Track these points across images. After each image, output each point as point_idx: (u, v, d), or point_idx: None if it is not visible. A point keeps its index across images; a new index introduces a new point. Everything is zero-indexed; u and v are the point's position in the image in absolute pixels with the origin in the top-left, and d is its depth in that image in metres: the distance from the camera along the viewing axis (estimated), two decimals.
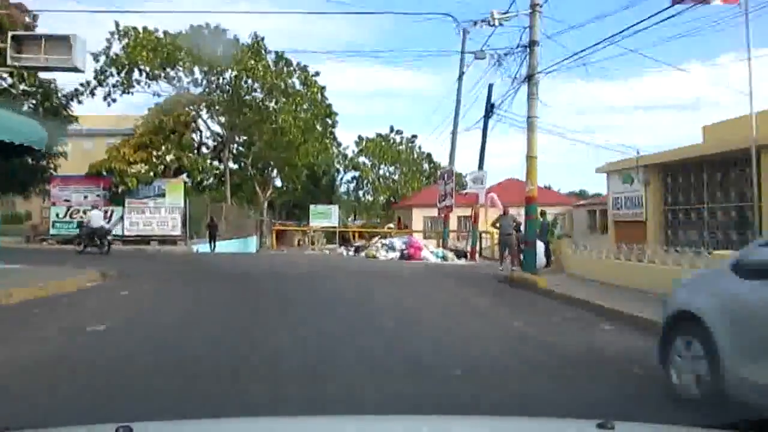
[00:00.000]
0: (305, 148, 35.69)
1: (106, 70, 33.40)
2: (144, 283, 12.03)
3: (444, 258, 20.71)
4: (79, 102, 33.47)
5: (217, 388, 4.22)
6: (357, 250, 21.92)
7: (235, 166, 47.62)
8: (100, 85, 33.73)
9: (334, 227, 27.20)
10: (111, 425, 1.57)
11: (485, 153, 21.61)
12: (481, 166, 21.59)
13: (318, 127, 36.30)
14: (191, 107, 28.69)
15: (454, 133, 23.98)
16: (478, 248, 22.45)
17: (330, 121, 34.98)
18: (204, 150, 30.29)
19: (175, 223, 26.26)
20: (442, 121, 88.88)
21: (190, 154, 26.94)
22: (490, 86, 21.32)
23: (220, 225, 31.55)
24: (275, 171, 47.08)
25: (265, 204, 46.53)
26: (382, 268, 16.17)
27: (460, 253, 21.77)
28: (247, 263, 17.16)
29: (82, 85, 33.45)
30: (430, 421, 2.49)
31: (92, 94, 33.62)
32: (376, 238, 23.36)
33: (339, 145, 38.52)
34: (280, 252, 28.01)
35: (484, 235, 23.78)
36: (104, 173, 26.11)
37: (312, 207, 26.70)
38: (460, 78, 23.95)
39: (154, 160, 26.35)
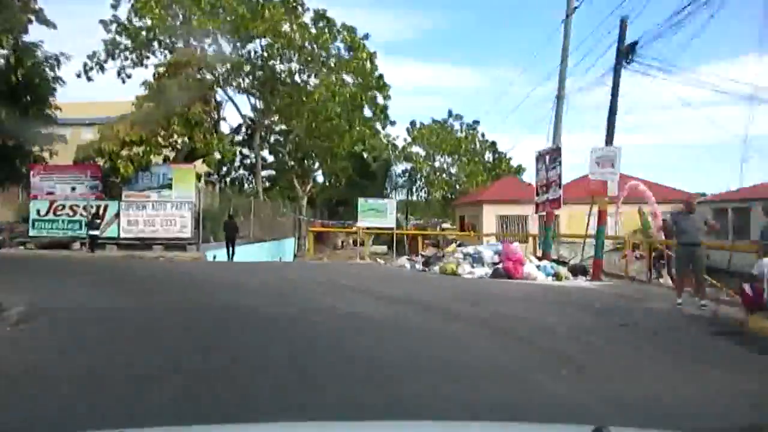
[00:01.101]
0: (350, 134, 29.54)
1: (119, 43, 28.03)
2: (15, 348, 5.85)
3: (557, 276, 13.88)
4: (89, 78, 28.30)
5: None
6: (427, 262, 15.22)
7: (272, 158, 41.99)
8: (111, 57, 28.35)
9: (390, 229, 20.55)
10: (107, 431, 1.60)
11: (616, 119, 14.63)
12: (610, 140, 14.60)
13: (366, 106, 29.85)
14: (205, 71, 22.62)
15: (559, 96, 17.09)
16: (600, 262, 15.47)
17: (381, 96, 28.40)
18: (225, 130, 23.95)
19: (185, 222, 20.29)
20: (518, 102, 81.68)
21: (207, 135, 20.85)
22: (623, 20, 14.42)
23: (248, 224, 25.56)
24: (316, 163, 41.28)
25: (305, 200, 40.67)
26: (492, 300, 9.47)
27: (576, 270, 14.86)
28: (266, 285, 10.79)
29: (89, 56, 28.25)
30: (427, 427, 2.42)
31: (101, 68, 28.28)
32: (453, 245, 16.62)
33: (393, 124, 31.83)
34: (318, 260, 21.55)
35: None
36: (94, 158, 20.38)
37: (361, 201, 20.03)
38: (566, 19, 17.04)
39: (160, 140, 20.41)
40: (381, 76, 28.08)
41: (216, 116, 22.02)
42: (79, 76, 28.02)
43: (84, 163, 20.60)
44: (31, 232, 20.48)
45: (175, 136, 20.25)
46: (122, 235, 20.26)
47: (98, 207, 20.28)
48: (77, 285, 10.57)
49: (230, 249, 20.41)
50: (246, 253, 22.63)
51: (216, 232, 21.92)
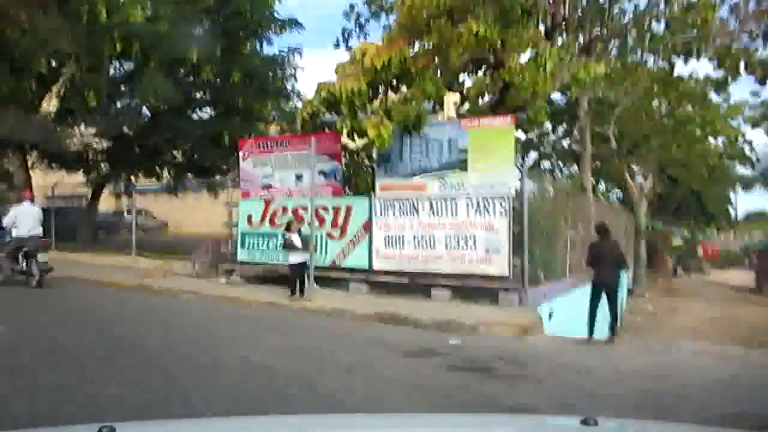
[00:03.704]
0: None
1: None
2: None
3: None
4: (348, 47, 19.86)
5: None
6: None
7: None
8: (375, 15, 19.05)
9: None
10: (94, 425, 1.58)
11: None
12: None
13: None
14: None
15: None
16: None
17: None
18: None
19: (496, 242, 9.39)
20: None
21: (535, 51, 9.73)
22: None
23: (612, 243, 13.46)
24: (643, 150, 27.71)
25: (644, 205, 27.22)
26: None
27: None
28: None
29: (345, 14, 19.47)
30: (418, 418, 2.56)
31: (361, 28, 19.08)
32: None
33: None
34: None
35: None
36: (323, 120, 10.97)
37: None
38: None
39: (437, 74, 10.02)
40: None
41: (551, 19, 10.73)
42: (336, 45, 19.65)
43: (314, 132, 11.25)
44: (240, 255, 12.03)
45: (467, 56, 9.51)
46: (375, 264, 10.37)
47: (335, 210, 10.82)
48: None
49: (598, 302, 8.40)
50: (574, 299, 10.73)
51: (552, 262, 10.50)
